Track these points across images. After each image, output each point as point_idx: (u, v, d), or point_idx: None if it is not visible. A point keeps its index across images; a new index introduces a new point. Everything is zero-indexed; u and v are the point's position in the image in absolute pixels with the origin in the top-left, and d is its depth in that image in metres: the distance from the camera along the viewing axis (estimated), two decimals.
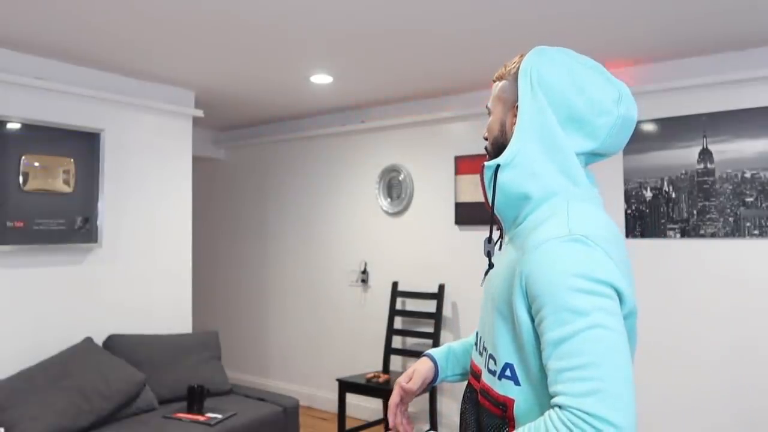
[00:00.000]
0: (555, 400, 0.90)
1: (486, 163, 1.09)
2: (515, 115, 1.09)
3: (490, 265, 1.12)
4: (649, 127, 3.35)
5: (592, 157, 1.12)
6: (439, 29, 2.84)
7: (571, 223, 0.97)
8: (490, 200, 1.09)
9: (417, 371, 1.29)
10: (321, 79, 3.72)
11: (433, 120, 4.17)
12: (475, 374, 1.16)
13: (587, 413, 0.85)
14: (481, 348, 1.13)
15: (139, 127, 3.68)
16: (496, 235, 1.19)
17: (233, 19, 2.70)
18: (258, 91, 4.05)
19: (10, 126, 3.03)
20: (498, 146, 1.13)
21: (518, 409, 1.01)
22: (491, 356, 1.07)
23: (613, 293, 0.93)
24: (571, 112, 1.06)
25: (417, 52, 3.17)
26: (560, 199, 1.03)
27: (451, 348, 1.35)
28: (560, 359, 0.90)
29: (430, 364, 1.31)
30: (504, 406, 1.03)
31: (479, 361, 1.14)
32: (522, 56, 1.12)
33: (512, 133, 1.09)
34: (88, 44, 3.04)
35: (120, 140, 3.56)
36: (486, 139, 1.18)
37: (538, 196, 1.04)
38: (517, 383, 1.01)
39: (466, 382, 1.25)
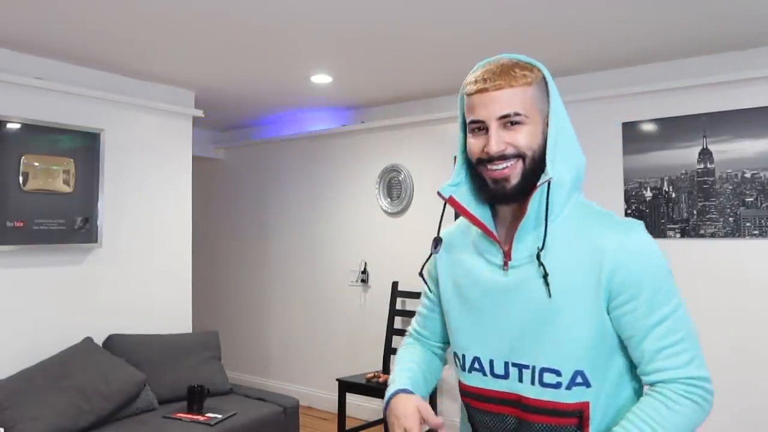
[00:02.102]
0: (658, 376, 1.02)
1: (552, 181, 1.05)
2: (546, 124, 1.08)
3: (545, 267, 1.07)
4: (649, 127, 3.35)
5: None
6: (439, 30, 2.84)
7: (622, 218, 1.09)
8: (544, 217, 1.06)
9: (407, 417, 1.11)
10: (321, 79, 3.72)
11: (433, 120, 4.17)
12: (499, 400, 1.11)
13: (693, 377, 1.02)
14: (505, 369, 1.10)
15: (139, 127, 3.68)
16: (522, 253, 1.11)
17: (233, 19, 2.70)
18: (258, 91, 4.05)
19: (10, 126, 3.03)
20: (539, 159, 1.07)
21: (593, 409, 1.05)
22: (548, 370, 1.05)
23: None
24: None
25: (417, 52, 3.17)
26: (580, 199, 1.12)
27: (411, 375, 1.24)
28: (660, 339, 1.01)
29: (412, 398, 1.15)
30: (580, 413, 1.05)
31: (505, 386, 1.11)
32: (523, 64, 1.09)
33: (543, 143, 1.07)
34: (88, 44, 3.04)
35: (120, 140, 3.56)
36: (519, 152, 1.06)
37: (563, 202, 1.09)
38: (588, 386, 1.04)
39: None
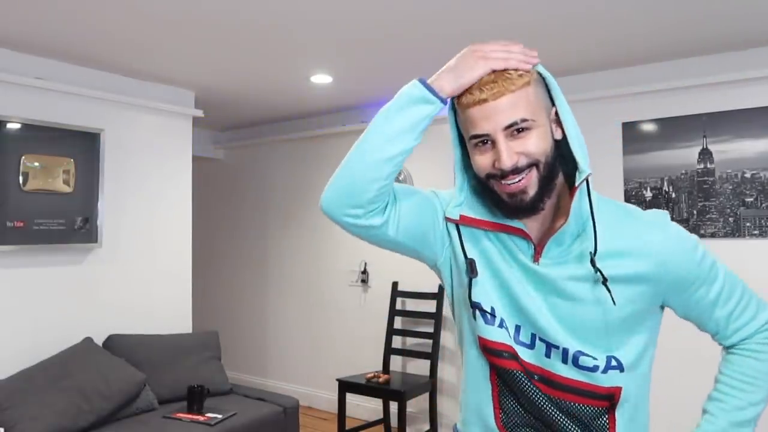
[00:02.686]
0: (740, 335, 1.07)
1: (590, 178, 1.02)
2: (552, 121, 1.04)
3: (596, 270, 1.02)
4: (649, 127, 3.35)
5: None
6: (439, 29, 2.84)
7: (645, 210, 1.08)
8: (590, 214, 1.03)
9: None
10: (321, 79, 3.72)
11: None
12: (530, 372, 1.07)
13: (764, 323, 1.08)
14: (531, 340, 1.07)
15: (139, 127, 3.68)
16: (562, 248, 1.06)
17: (233, 19, 2.70)
18: (258, 91, 4.05)
19: (10, 126, 3.03)
20: (553, 162, 1.02)
21: (626, 392, 1.05)
22: (584, 354, 1.03)
23: None
24: None
25: (417, 52, 3.17)
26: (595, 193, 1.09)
27: None
28: (726, 304, 1.06)
29: None
30: (611, 396, 1.05)
31: (531, 357, 1.07)
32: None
33: (553, 140, 1.03)
34: (88, 44, 3.04)
35: (120, 140, 3.56)
36: (533, 160, 1.00)
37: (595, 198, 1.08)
38: (622, 370, 1.04)
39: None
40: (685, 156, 3.23)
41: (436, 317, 3.89)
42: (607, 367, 1.03)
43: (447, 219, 1.11)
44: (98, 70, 3.49)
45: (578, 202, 1.02)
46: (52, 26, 2.78)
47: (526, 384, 1.07)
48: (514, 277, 1.07)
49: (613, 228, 1.03)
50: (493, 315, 1.09)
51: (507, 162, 0.98)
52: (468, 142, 1.05)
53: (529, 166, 0.99)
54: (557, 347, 1.04)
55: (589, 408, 1.05)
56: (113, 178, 3.50)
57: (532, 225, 1.08)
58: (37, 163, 3.12)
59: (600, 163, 3.44)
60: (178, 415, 3.02)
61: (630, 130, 3.40)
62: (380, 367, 4.17)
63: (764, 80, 3.02)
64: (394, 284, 4.18)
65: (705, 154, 3.17)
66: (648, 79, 3.35)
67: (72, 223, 3.26)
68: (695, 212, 3.19)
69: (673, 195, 3.26)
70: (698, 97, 3.20)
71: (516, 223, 1.07)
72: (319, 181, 4.84)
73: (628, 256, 1.01)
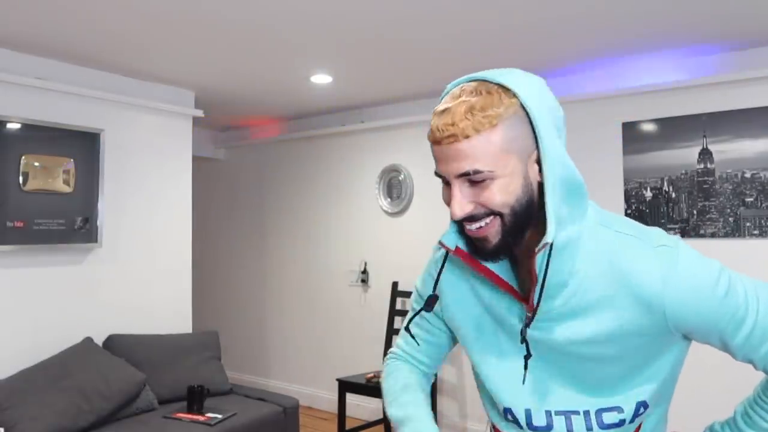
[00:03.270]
0: None
1: (556, 244, 0.86)
2: (532, 162, 0.87)
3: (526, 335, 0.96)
4: (649, 127, 3.35)
5: None
6: (438, 30, 2.84)
7: (646, 240, 0.91)
8: (540, 283, 0.89)
9: None
10: (321, 79, 3.72)
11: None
12: None
13: None
14: (547, 419, 0.99)
15: (139, 127, 3.68)
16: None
17: (233, 19, 2.70)
18: (258, 91, 4.05)
19: (10, 126, 3.03)
20: (524, 211, 0.87)
21: (646, 422, 1.01)
22: (608, 410, 0.96)
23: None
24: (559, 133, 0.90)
25: (417, 52, 3.17)
26: (589, 216, 0.93)
27: (429, 412, 1.08)
28: (758, 349, 0.88)
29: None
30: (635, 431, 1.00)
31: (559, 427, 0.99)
32: (488, 92, 0.85)
33: (536, 186, 0.88)
34: (88, 44, 3.04)
35: (120, 140, 3.56)
36: (492, 211, 0.86)
37: (583, 242, 0.92)
38: (647, 407, 0.98)
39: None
40: (685, 156, 3.23)
41: None
42: (635, 415, 0.96)
43: (440, 243, 0.97)
44: (98, 70, 3.49)
45: (540, 263, 0.88)
46: (52, 26, 2.78)
47: None
48: (501, 342, 0.99)
49: (600, 275, 0.90)
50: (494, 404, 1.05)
51: (456, 212, 0.86)
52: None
53: (489, 214, 0.86)
54: (577, 413, 0.95)
55: None
56: (113, 178, 3.50)
57: (523, 272, 0.96)
58: (37, 163, 3.12)
59: (600, 163, 3.44)
60: (178, 415, 3.02)
61: (630, 130, 3.40)
62: (380, 367, 4.17)
63: (764, 80, 3.02)
64: (394, 284, 4.18)
65: (705, 154, 3.17)
66: (648, 79, 3.35)
67: (72, 223, 3.26)
68: (695, 212, 3.19)
69: (673, 195, 3.26)
70: (698, 97, 3.20)
71: (506, 275, 0.96)
72: (319, 181, 4.84)
73: (626, 296, 0.89)
